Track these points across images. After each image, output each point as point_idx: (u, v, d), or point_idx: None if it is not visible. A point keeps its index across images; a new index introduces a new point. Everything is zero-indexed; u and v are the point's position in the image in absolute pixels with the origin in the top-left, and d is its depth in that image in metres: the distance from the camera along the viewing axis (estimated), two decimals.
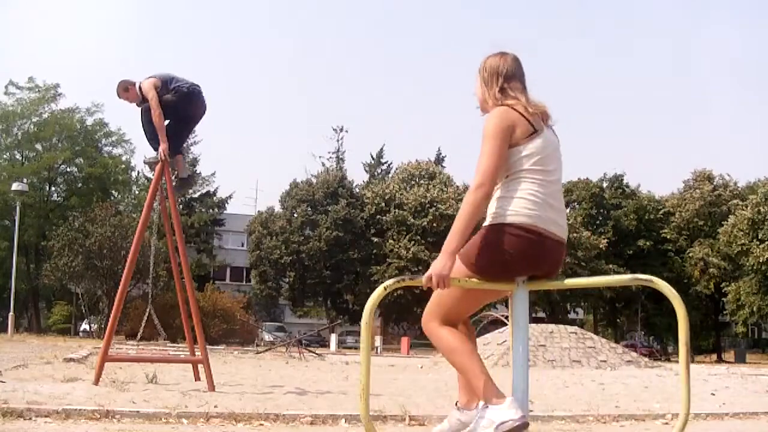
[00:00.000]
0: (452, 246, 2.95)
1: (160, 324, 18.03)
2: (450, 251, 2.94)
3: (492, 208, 3.10)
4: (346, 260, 48.40)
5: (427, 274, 2.94)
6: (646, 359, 24.03)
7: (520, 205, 3.06)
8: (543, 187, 3.10)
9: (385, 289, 2.93)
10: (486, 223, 3.11)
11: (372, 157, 63.46)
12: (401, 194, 49.98)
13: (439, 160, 60.47)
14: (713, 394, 9.59)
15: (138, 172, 52.49)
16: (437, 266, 2.93)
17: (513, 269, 3.08)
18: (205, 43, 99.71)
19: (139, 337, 18.31)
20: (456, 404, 3.30)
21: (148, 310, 16.71)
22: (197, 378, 8.35)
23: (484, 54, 3.33)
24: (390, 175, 58.91)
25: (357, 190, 52.97)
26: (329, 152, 62.37)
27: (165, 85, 7.55)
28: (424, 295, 3.14)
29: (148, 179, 45.69)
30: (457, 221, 2.99)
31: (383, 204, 49.69)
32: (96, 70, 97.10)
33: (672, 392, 9.63)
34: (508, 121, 3.08)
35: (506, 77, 3.22)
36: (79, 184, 48.12)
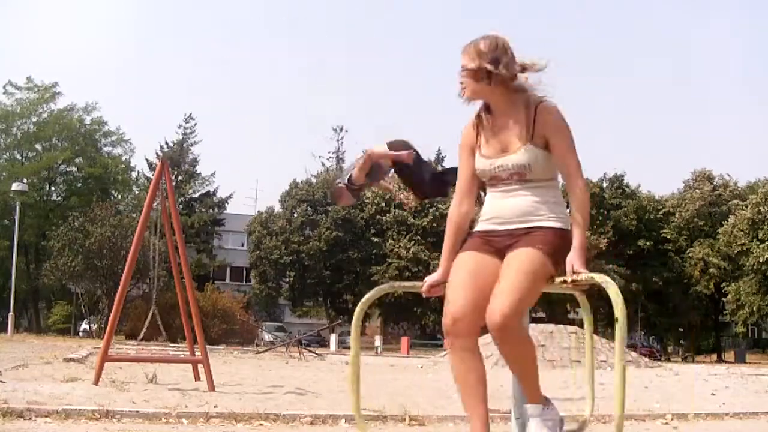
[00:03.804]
0: (585, 242, 2.99)
1: (161, 325, 17.99)
2: (585, 246, 2.98)
3: (556, 211, 3.02)
4: (346, 260, 48.39)
5: (576, 270, 2.92)
6: (646, 359, 24.02)
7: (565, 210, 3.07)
8: None
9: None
10: (558, 226, 2.99)
11: None
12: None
13: (439, 160, 60.42)
14: (713, 394, 9.60)
15: (138, 172, 52.65)
16: (583, 259, 2.94)
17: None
18: (205, 43, 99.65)
19: (140, 337, 18.28)
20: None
21: (152, 310, 16.67)
22: (197, 378, 8.35)
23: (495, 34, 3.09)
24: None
25: None
26: (329, 152, 62.43)
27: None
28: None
29: (148, 179, 45.81)
30: (588, 220, 3.01)
31: (383, 204, 49.68)
32: (95, 70, 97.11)
33: (672, 392, 9.63)
34: None
35: (515, 64, 3.09)
36: (79, 184, 48.10)
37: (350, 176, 6.94)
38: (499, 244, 3.02)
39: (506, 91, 3.01)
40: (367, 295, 3.42)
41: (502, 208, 3.07)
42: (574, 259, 2.92)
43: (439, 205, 47.95)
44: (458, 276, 3.02)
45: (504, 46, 3.03)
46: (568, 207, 3.04)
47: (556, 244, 2.94)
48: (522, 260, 2.90)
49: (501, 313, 2.78)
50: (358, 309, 3.44)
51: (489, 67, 2.96)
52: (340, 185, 7.04)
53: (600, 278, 2.87)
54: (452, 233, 3.18)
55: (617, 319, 2.91)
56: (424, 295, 3.20)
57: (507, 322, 2.79)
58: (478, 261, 3.03)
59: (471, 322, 2.92)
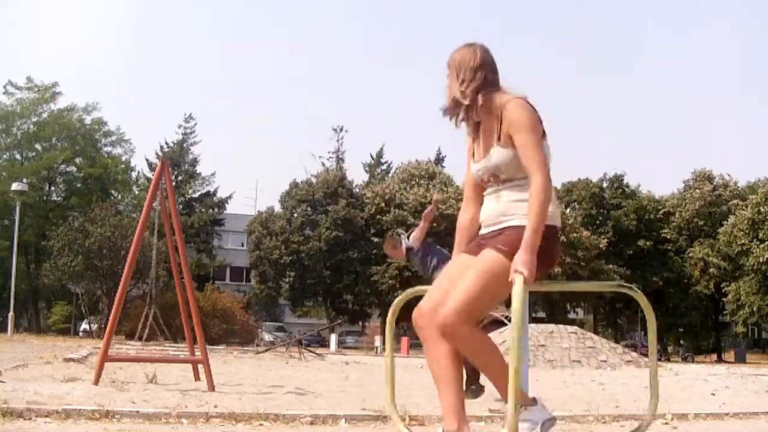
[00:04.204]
0: (537, 242, 2.87)
1: (162, 325, 18.07)
2: (536, 247, 2.86)
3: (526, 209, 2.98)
4: (346, 260, 48.37)
5: (514, 268, 2.83)
6: (646, 359, 24.02)
7: (552, 207, 3.01)
8: None
9: None
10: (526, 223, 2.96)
11: (372, 157, 63.48)
12: (401, 194, 49.96)
13: (439, 160, 60.44)
14: (713, 394, 9.61)
15: (138, 172, 52.67)
16: (527, 262, 2.82)
17: (547, 268, 3.04)
18: (205, 43, 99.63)
19: (138, 335, 18.35)
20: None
21: (146, 311, 16.74)
22: (197, 378, 8.36)
23: (455, 46, 3.21)
24: (390, 175, 58.90)
25: (357, 190, 52.94)
26: (329, 152, 62.45)
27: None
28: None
29: (148, 179, 45.79)
30: (539, 217, 2.88)
31: (383, 204, 49.66)
32: (95, 69, 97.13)
33: (672, 392, 9.63)
34: (536, 115, 3.03)
35: (489, 70, 3.13)
36: (79, 184, 48.08)
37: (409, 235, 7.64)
38: (485, 247, 3.07)
39: (485, 99, 3.10)
40: (399, 298, 3.49)
41: (487, 211, 3.17)
42: (516, 258, 2.87)
43: (439, 205, 48.01)
44: (441, 276, 3.15)
45: (477, 59, 3.12)
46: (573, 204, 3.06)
47: (538, 242, 2.91)
48: (477, 262, 2.99)
49: (444, 313, 2.89)
50: (390, 313, 3.53)
51: (466, 91, 3.09)
52: (397, 238, 7.81)
53: (515, 276, 2.85)
54: (458, 238, 3.29)
55: (508, 319, 3.00)
56: None
57: (448, 321, 2.88)
58: (463, 262, 3.11)
59: (434, 316, 2.97)
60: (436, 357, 3.01)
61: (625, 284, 3.19)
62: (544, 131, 3.08)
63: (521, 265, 2.81)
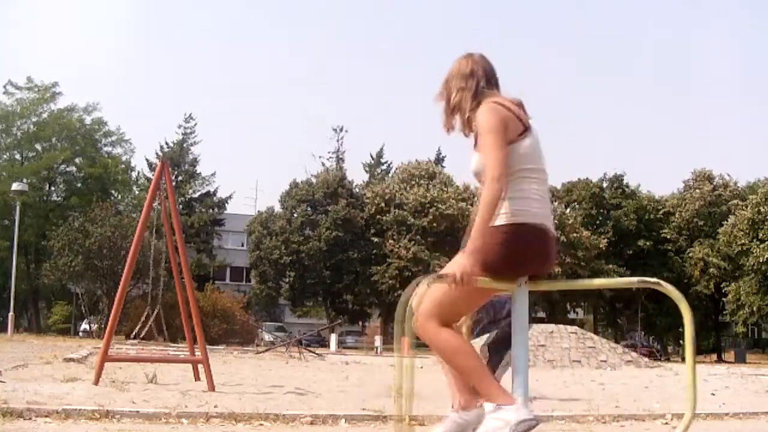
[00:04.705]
0: (477, 245, 2.88)
1: (163, 325, 18.09)
2: (475, 250, 2.88)
3: (501, 207, 3.00)
4: (345, 260, 48.35)
5: (452, 271, 2.87)
6: (646, 359, 24.02)
7: (528, 204, 3.03)
8: (541, 184, 3.11)
9: (417, 285, 2.97)
10: (498, 223, 2.98)
11: (372, 157, 63.47)
12: (401, 194, 49.94)
13: (439, 160, 60.42)
14: (713, 394, 9.61)
15: (138, 172, 52.67)
16: (464, 264, 2.86)
17: (526, 268, 3.05)
18: (205, 43, 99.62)
19: (136, 334, 18.34)
20: (453, 406, 3.20)
21: (148, 311, 16.73)
22: (197, 378, 8.36)
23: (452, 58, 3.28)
24: (390, 175, 58.87)
25: (357, 190, 52.92)
26: (329, 152, 62.44)
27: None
28: None
29: (148, 179, 45.79)
30: (481, 218, 2.89)
31: (383, 204, 49.63)
32: (95, 69, 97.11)
33: (672, 392, 9.64)
34: (502, 116, 3.03)
35: (482, 76, 3.18)
36: (79, 184, 48.08)
37: None
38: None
39: (477, 105, 3.15)
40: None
41: None
42: (455, 260, 2.94)
43: (439, 205, 48.03)
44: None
45: (470, 67, 3.19)
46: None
47: (478, 243, 2.91)
48: (452, 265, 3.05)
49: (416, 314, 3.01)
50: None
51: (459, 97, 3.17)
52: None
53: (424, 283, 2.95)
54: None
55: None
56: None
57: (418, 321, 3.00)
58: (457, 260, 3.14)
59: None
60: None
61: (648, 279, 3.08)
62: (525, 130, 3.08)
63: (458, 268, 2.87)
